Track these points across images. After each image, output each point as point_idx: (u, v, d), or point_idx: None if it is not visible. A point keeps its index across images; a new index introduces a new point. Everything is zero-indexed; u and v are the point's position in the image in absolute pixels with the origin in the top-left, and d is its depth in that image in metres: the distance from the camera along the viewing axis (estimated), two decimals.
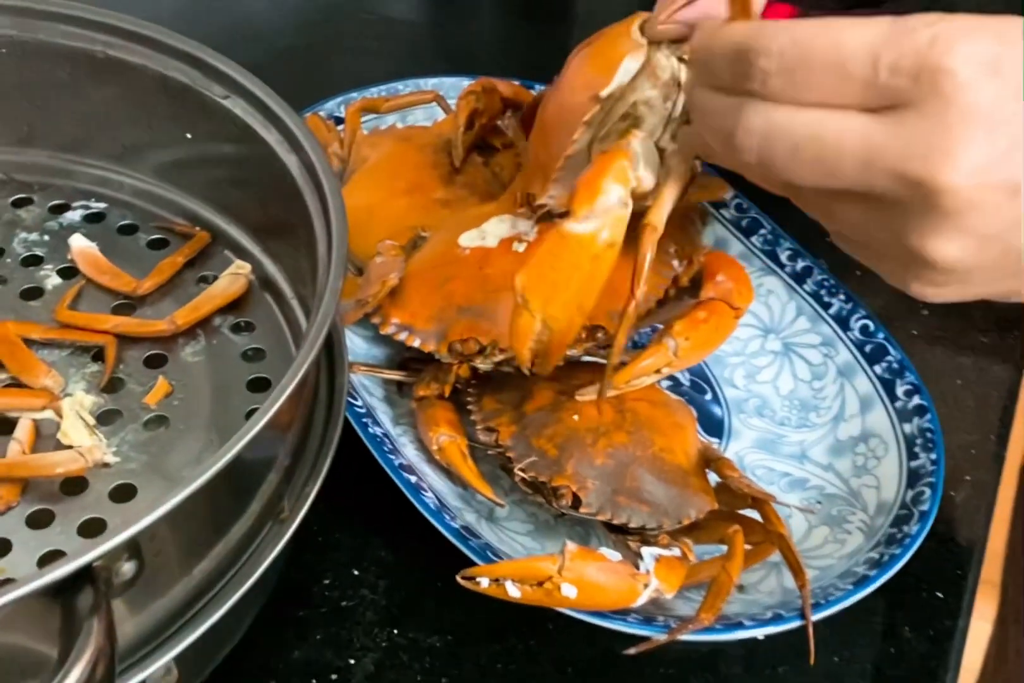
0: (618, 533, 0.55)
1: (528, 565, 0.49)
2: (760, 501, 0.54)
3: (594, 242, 0.48)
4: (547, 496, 0.54)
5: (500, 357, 0.57)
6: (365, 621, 0.57)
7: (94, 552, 0.38)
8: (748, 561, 0.53)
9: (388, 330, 0.59)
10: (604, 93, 0.52)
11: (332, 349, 0.56)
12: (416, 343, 0.59)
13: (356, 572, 0.59)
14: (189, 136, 0.62)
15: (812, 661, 0.51)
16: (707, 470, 0.56)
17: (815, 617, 0.51)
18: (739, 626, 0.51)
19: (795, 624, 0.51)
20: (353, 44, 0.98)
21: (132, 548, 0.40)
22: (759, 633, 0.51)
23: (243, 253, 0.63)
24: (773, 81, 0.39)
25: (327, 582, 0.58)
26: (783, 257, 0.68)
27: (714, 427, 0.64)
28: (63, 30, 0.60)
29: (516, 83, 0.75)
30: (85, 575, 0.38)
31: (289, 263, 0.60)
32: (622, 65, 0.52)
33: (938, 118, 0.36)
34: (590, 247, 0.49)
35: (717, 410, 0.64)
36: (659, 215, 0.50)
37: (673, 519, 0.53)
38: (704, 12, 0.48)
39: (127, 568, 0.41)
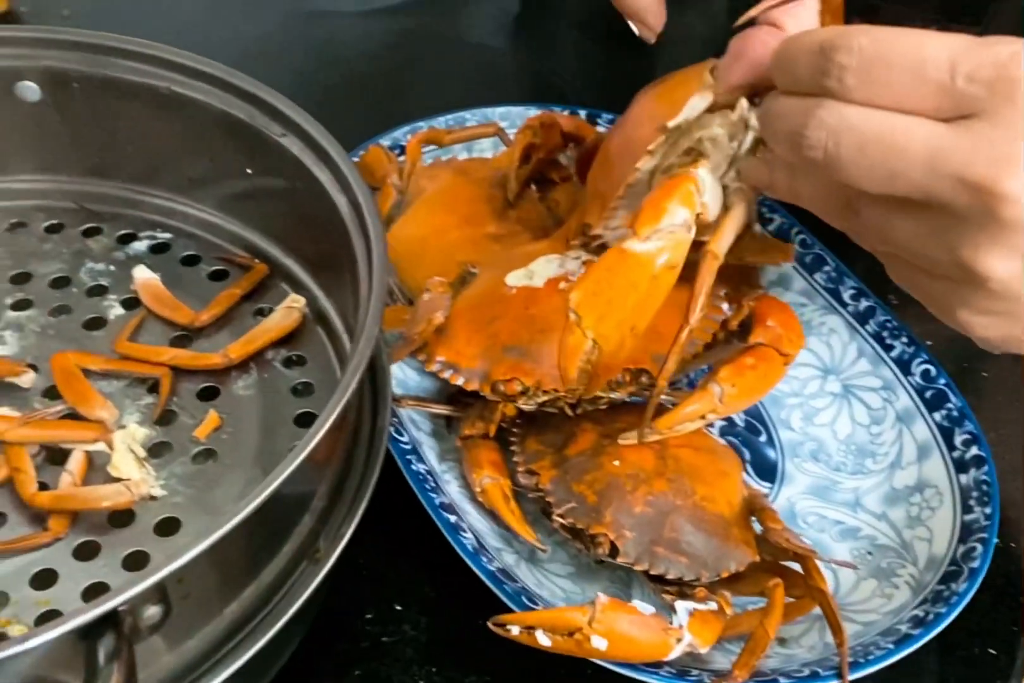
0: (656, 582, 0.54)
1: (559, 615, 0.49)
2: (803, 555, 0.52)
3: (654, 262, 0.48)
4: (585, 543, 0.54)
5: (543, 398, 0.57)
6: (405, 658, 0.57)
7: (117, 599, 0.39)
8: (788, 615, 0.52)
9: (433, 368, 0.59)
10: (671, 124, 0.52)
11: (377, 388, 0.56)
12: (460, 382, 0.59)
13: (399, 607, 0.59)
14: (249, 171, 0.63)
15: None
16: (751, 519, 0.55)
17: (852, 676, 0.49)
18: None
19: None
20: (431, 69, 0.99)
21: (158, 593, 0.41)
22: None
23: (299, 286, 0.64)
24: (850, 78, 0.39)
25: (369, 616, 0.59)
26: (846, 296, 0.67)
27: (767, 471, 0.62)
28: (131, 66, 0.62)
29: (580, 116, 0.75)
30: (109, 620, 0.39)
31: (340, 298, 0.61)
32: (690, 101, 0.52)
33: (1008, 127, 0.37)
34: (649, 267, 0.48)
35: (771, 453, 0.63)
36: (720, 245, 0.50)
37: (712, 571, 0.52)
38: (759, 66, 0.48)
39: (153, 612, 0.41)
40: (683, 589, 0.52)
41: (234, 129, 0.61)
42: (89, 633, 0.39)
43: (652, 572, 0.53)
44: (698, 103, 0.52)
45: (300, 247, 0.64)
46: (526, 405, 0.58)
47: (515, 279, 0.59)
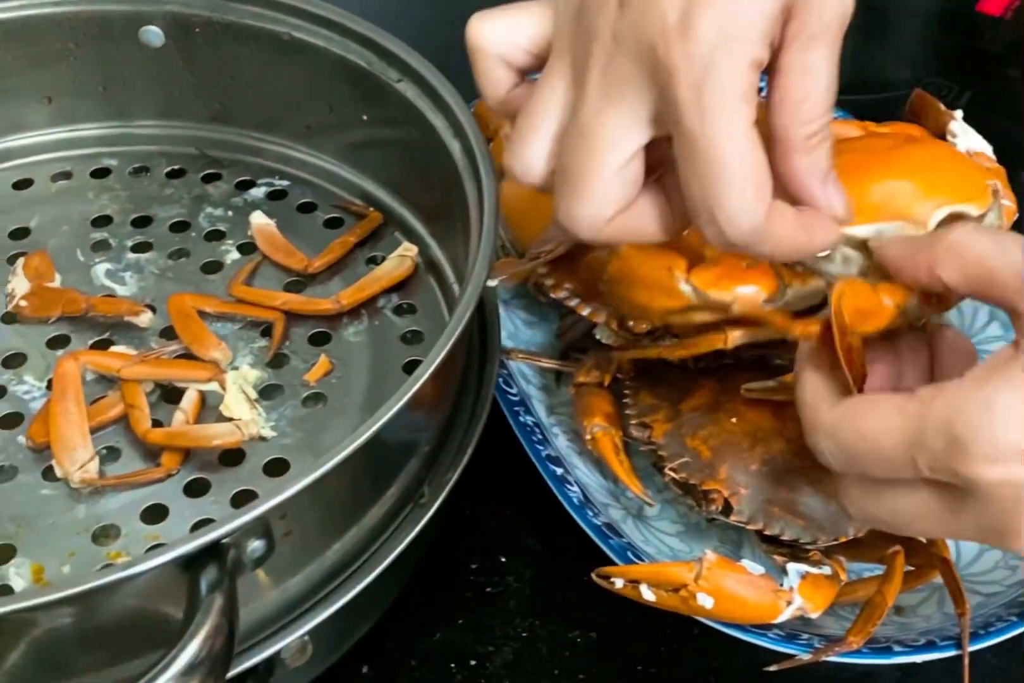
0: (770, 544, 0.52)
1: (664, 570, 0.48)
2: None
3: None
4: (697, 499, 0.52)
5: (669, 342, 0.55)
6: (508, 609, 0.57)
7: (220, 530, 0.39)
8: (908, 583, 0.50)
9: (559, 294, 0.58)
10: None
11: (486, 336, 0.56)
12: (586, 312, 0.57)
13: (504, 559, 0.59)
14: (366, 118, 0.63)
15: None
16: None
17: (972, 648, 0.47)
18: (888, 651, 0.48)
19: (949, 653, 0.48)
20: None
21: (262, 527, 0.41)
22: (910, 660, 0.48)
23: (412, 235, 0.64)
24: (837, 465, 0.40)
25: (474, 567, 0.58)
26: None
27: None
28: (252, 11, 0.62)
29: None
30: (212, 551, 0.39)
31: (452, 247, 0.60)
32: None
33: (991, 509, 0.36)
34: None
35: None
36: None
37: (829, 535, 0.50)
38: None
39: (256, 546, 0.41)
40: (796, 551, 0.50)
41: (352, 75, 0.61)
42: (192, 564, 0.39)
43: (766, 533, 0.51)
44: None
45: (414, 196, 0.64)
46: (650, 350, 0.55)
47: None
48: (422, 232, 0.63)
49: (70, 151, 0.69)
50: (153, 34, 0.65)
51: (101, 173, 0.69)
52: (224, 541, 0.40)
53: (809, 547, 0.50)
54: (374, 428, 0.43)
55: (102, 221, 0.66)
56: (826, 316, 0.42)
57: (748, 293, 0.47)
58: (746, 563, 0.47)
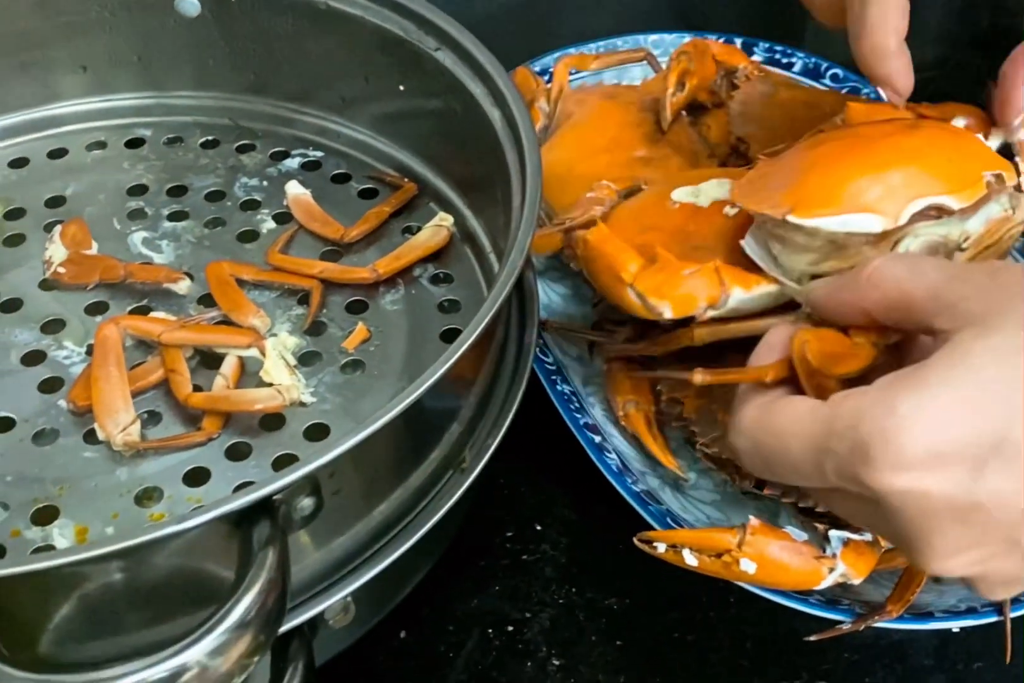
0: (808, 515, 0.52)
1: (708, 535, 0.48)
2: None
3: None
4: (731, 474, 0.52)
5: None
6: (544, 576, 0.57)
7: (273, 485, 0.39)
8: None
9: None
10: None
11: (524, 305, 0.56)
12: None
13: (539, 527, 0.59)
14: (402, 88, 0.63)
15: (1008, 660, 0.48)
16: None
17: (1014, 614, 0.47)
18: (928, 617, 0.48)
19: (991, 619, 0.48)
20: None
21: (311, 484, 0.41)
22: (951, 626, 0.48)
23: (448, 205, 0.64)
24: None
25: (509, 534, 0.59)
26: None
27: None
28: None
29: (735, 44, 0.72)
30: (264, 507, 0.40)
31: (489, 217, 0.60)
32: None
33: (898, 521, 0.35)
34: None
35: None
36: None
37: None
38: None
39: (306, 503, 0.42)
40: (835, 520, 0.51)
41: (389, 45, 0.61)
42: (244, 521, 0.40)
43: (800, 504, 0.51)
44: None
45: (450, 166, 0.64)
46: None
47: (681, 195, 0.57)
48: (458, 202, 0.63)
49: (105, 121, 0.69)
50: (190, 4, 0.65)
51: (136, 143, 0.69)
52: (276, 497, 0.40)
53: None
54: (419, 391, 0.43)
55: (138, 190, 0.66)
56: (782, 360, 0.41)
57: (682, 301, 0.48)
58: (790, 529, 0.47)
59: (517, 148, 0.53)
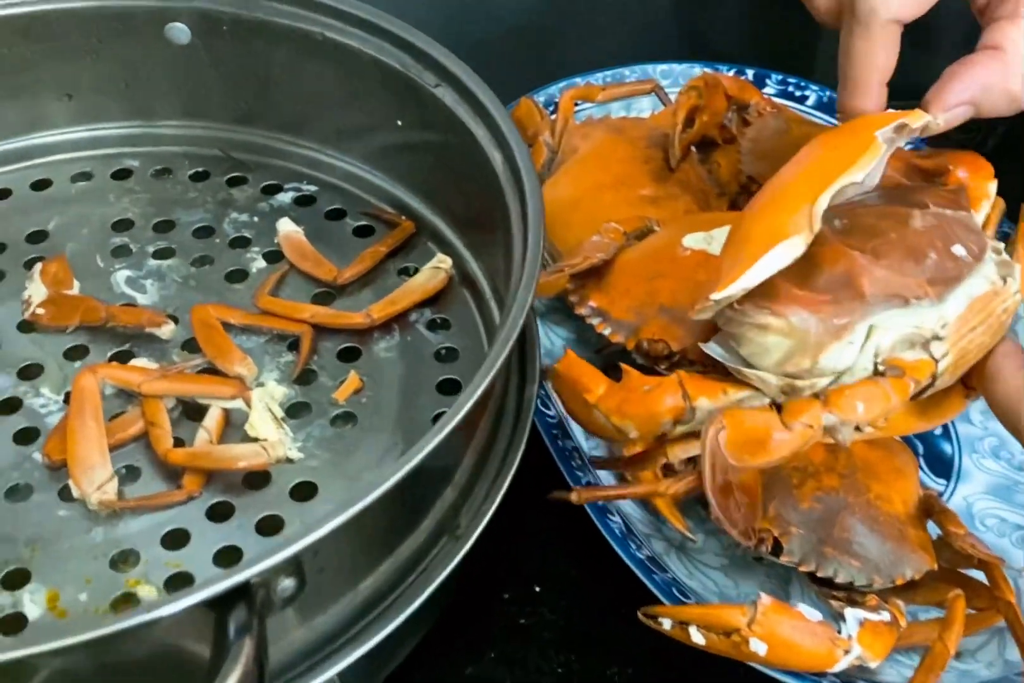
0: (822, 585, 0.49)
1: (716, 612, 0.45)
2: (987, 563, 0.47)
3: None
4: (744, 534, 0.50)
5: (687, 368, 0.52)
6: (542, 641, 0.54)
7: (250, 570, 0.36)
8: (968, 628, 0.47)
9: (582, 311, 0.56)
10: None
11: (525, 355, 0.53)
12: (606, 331, 0.55)
13: (538, 589, 0.56)
14: (400, 123, 0.60)
15: None
16: (928, 522, 0.50)
17: None
18: None
19: None
20: (589, 25, 0.94)
21: (293, 565, 0.39)
22: None
23: (446, 246, 0.61)
24: None
25: (506, 597, 0.56)
26: None
27: (942, 466, 0.57)
28: (283, 10, 0.60)
29: (746, 75, 0.69)
30: (241, 591, 0.37)
31: (489, 260, 0.58)
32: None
33: None
34: None
35: (947, 447, 0.58)
36: None
37: (885, 577, 0.48)
38: None
39: (287, 584, 0.39)
40: (851, 595, 0.48)
41: (387, 78, 0.58)
42: (219, 603, 0.37)
43: (819, 574, 0.48)
44: None
45: (450, 205, 0.61)
46: (667, 371, 0.53)
47: (693, 241, 0.54)
48: (457, 243, 0.61)
49: (91, 151, 0.67)
50: (179, 31, 0.62)
51: (122, 174, 0.66)
52: (253, 581, 0.37)
53: (865, 590, 0.48)
54: (412, 463, 0.40)
55: (123, 225, 0.63)
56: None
57: (645, 420, 0.45)
58: (802, 608, 0.45)
59: (519, 194, 0.50)
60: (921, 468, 0.57)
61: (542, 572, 0.56)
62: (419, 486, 0.45)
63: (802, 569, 0.48)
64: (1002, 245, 0.45)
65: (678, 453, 0.46)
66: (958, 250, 0.43)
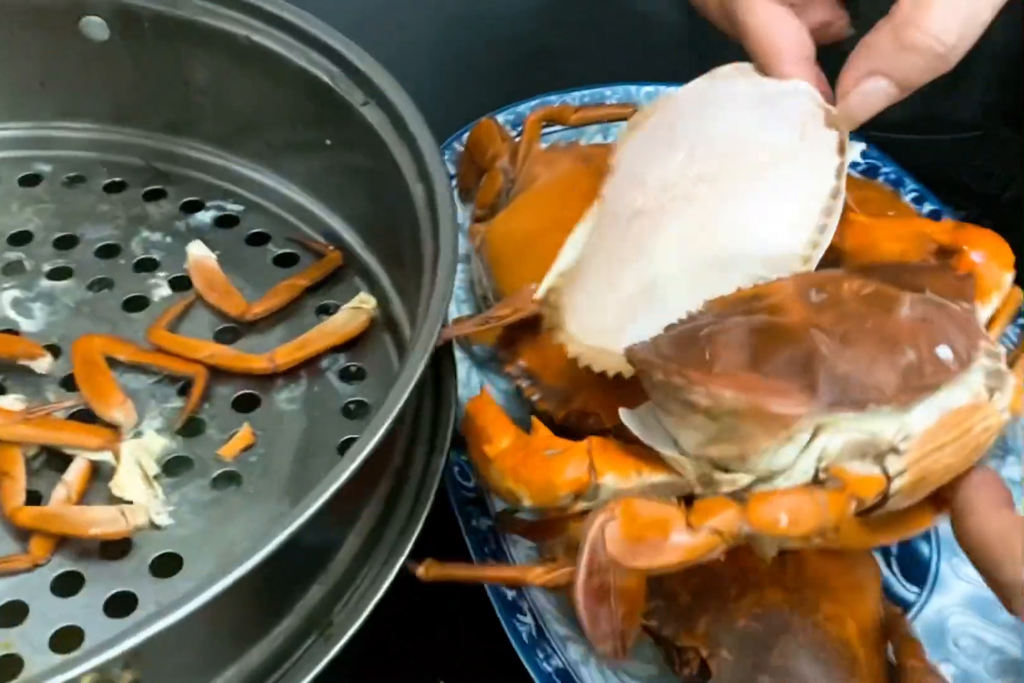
0: None
1: None
2: None
3: None
4: (670, 653, 0.42)
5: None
6: None
7: (78, 669, 0.30)
8: None
9: (511, 370, 0.49)
10: None
11: (438, 418, 0.46)
12: (535, 397, 0.48)
13: None
14: (328, 142, 0.53)
15: None
16: (888, 645, 0.43)
17: None
18: None
19: None
20: (586, 38, 0.87)
21: (129, 661, 0.32)
22: None
23: (373, 283, 0.54)
24: None
25: None
26: None
27: (917, 570, 0.49)
28: (205, 7, 0.53)
29: None
30: None
31: (413, 304, 0.50)
32: None
33: None
34: None
35: (924, 548, 0.50)
36: None
37: None
38: None
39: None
40: None
41: (314, 91, 0.52)
42: None
43: None
44: None
45: (378, 238, 0.54)
46: None
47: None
48: (384, 281, 0.54)
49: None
50: (97, 26, 0.56)
51: (31, 180, 0.60)
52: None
53: None
54: (259, 556, 0.34)
55: (21, 238, 0.57)
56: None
57: (541, 488, 0.38)
58: None
59: (433, 232, 0.43)
60: (893, 572, 0.49)
61: (439, 668, 0.48)
62: (279, 579, 0.38)
63: None
64: (1002, 350, 0.37)
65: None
66: (943, 352, 0.35)
